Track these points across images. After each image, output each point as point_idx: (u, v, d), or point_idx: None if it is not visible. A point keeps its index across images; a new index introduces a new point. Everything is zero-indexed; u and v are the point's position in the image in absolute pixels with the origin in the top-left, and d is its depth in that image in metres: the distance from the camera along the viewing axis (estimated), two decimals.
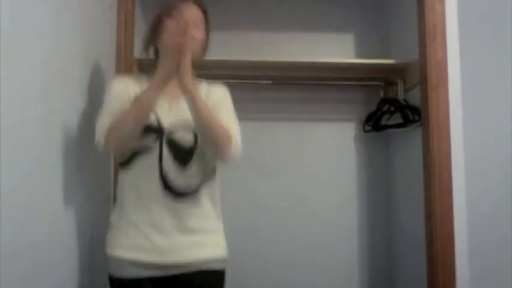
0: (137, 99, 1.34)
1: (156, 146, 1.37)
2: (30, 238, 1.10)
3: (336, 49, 2.42)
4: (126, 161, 1.41)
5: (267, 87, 2.31)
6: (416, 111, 2.03)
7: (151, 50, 1.51)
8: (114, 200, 1.85)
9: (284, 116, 2.39)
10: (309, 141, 2.39)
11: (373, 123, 2.28)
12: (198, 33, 1.43)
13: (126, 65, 1.92)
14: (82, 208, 1.49)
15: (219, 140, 1.34)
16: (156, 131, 1.38)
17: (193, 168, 1.40)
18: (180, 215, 1.38)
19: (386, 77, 2.28)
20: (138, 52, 2.04)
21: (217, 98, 1.47)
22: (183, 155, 1.38)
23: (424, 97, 1.88)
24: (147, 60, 2.12)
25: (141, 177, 1.38)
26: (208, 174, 1.44)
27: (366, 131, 2.34)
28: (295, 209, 2.33)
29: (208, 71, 2.23)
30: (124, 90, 1.43)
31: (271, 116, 2.39)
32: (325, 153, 2.39)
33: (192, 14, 1.42)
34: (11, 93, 1.00)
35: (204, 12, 1.48)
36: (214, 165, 1.47)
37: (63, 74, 1.32)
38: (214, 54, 2.14)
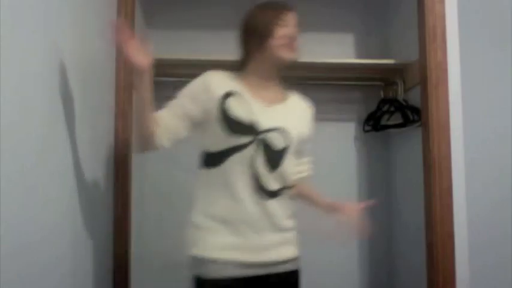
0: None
1: (249, 145, 1.39)
2: (29, 238, 1.10)
3: (336, 49, 2.43)
4: (217, 160, 1.41)
5: None
6: (416, 111, 2.03)
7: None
8: (115, 199, 1.86)
9: None
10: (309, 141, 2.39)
11: (373, 123, 2.28)
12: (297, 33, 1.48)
13: (126, 65, 1.92)
14: (82, 208, 1.49)
15: None
16: (250, 130, 1.39)
17: (283, 170, 1.43)
18: (271, 214, 1.40)
19: (386, 77, 2.28)
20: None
21: (305, 117, 1.58)
22: (275, 156, 1.41)
23: (424, 97, 1.88)
24: None
25: (233, 176, 1.38)
26: (291, 178, 1.49)
27: (366, 131, 2.34)
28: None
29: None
30: (202, 88, 1.45)
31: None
32: (325, 153, 2.39)
33: (294, 20, 1.47)
34: (11, 93, 1.00)
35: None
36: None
37: (62, 73, 1.32)
38: (215, 54, 2.15)
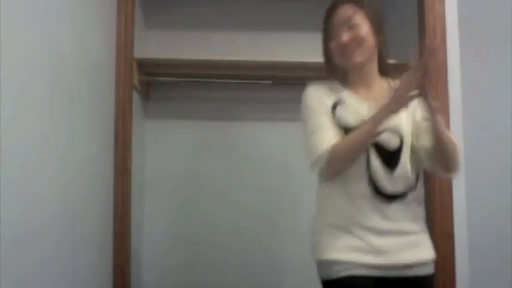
0: (368, 121, 1.30)
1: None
2: (29, 237, 1.10)
3: None
4: None
5: (267, 87, 2.31)
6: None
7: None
8: (116, 199, 1.86)
9: (284, 116, 2.39)
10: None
11: None
12: (356, 31, 1.38)
13: (126, 65, 1.92)
14: (82, 208, 1.49)
15: (454, 155, 1.34)
16: None
17: (401, 171, 1.36)
18: (392, 217, 1.34)
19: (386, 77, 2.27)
20: (138, 51, 2.05)
21: (422, 113, 1.40)
22: (389, 157, 1.36)
23: None
24: (146, 60, 2.14)
25: (350, 181, 1.36)
26: (414, 178, 1.40)
27: None
28: (294, 208, 2.33)
29: (208, 71, 2.25)
30: (321, 98, 1.42)
31: (271, 116, 2.39)
32: None
33: (344, 16, 1.40)
34: (11, 93, 1.00)
35: (361, 7, 1.42)
36: (420, 170, 1.43)
37: (62, 73, 1.32)
38: (215, 54, 2.14)
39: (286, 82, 2.29)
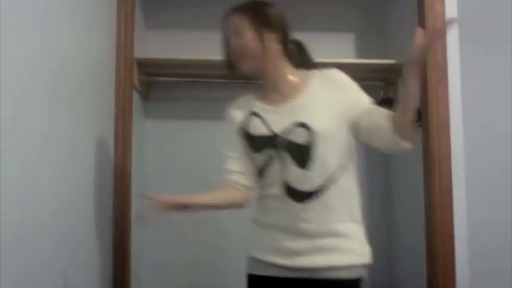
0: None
1: (274, 154, 1.35)
2: (29, 237, 1.10)
3: (336, 49, 2.42)
4: (258, 178, 1.42)
5: None
6: (416, 111, 2.03)
7: None
8: (115, 199, 1.86)
9: None
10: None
11: None
12: (238, 40, 1.38)
13: (126, 65, 1.92)
14: (82, 208, 1.49)
15: (408, 128, 1.27)
16: (270, 140, 1.36)
17: (316, 167, 1.31)
18: (307, 219, 1.32)
19: (386, 77, 2.28)
20: (138, 51, 2.05)
21: (341, 86, 1.39)
22: (301, 154, 1.32)
23: (424, 97, 1.88)
24: (146, 60, 2.15)
25: (267, 185, 1.38)
26: (334, 174, 1.33)
27: None
28: None
29: (208, 71, 2.25)
30: (237, 118, 1.45)
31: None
32: None
33: (228, 29, 1.42)
34: (11, 93, 1.00)
35: (246, 12, 1.40)
36: (341, 163, 1.35)
37: (62, 73, 1.32)
38: (215, 54, 2.14)
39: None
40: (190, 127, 2.41)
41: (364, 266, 1.38)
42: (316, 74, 1.41)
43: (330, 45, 2.40)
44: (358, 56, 2.44)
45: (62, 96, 1.31)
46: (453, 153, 1.82)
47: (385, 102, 2.23)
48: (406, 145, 1.29)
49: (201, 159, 2.38)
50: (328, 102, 1.35)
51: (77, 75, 1.44)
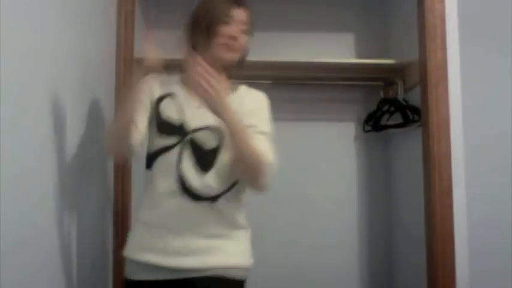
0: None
1: (176, 146, 1.34)
2: (28, 237, 1.10)
3: (336, 49, 2.42)
4: (149, 161, 1.38)
5: (267, 87, 2.30)
6: (416, 111, 2.03)
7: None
8: (116, 199, 1.86)
9: (284, 116, 2.39)
10: (309, 141, 2.38)
11: (373, 123, 2.28)
12: (245, 38, 1.41)
13: (126, 65, 1.92)
14: (82, 208, 1.49)
15: (254, 172, 1.30)
16: (178, 130, 1.35)
17: (214, 174, 1.33)
18: (196, 219, 1.32)
19: (386, 77, 2.28)
20: (138, 52, 2.05)
21: (252, 108, 1.41)
22: (204, 158, 1.33)
23: (424, 97, 1.88)
24: None
25: (159, 176, 1.34)
26: (231, 182, 1.37)
27: (366, 131, 2.34)
28: (294, 208, 2.33)
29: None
30: (147, 90, 1.41)
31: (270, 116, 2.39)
32: (325, 153, 2.39)
33: (243, 17, 1.41)
34: (11, 93, 1.00)
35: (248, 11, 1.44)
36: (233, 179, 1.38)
37: (62, 73, 1.32)
38: None
39: (286, 82, 2.29)
40: None
41: (244, 268, 1.38)
42: (243, 88, 1.46)
43: (330, 45, 2.40)
44: (358, 56, 2.44)
45: (62, 96, 1.31)
46: (453, 153, 1.82)
47: (385, 102, 2.23)
48: (257, 191, 1.37)
49: None
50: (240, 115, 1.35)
51: (77, 75, 1.44)
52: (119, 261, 1.85)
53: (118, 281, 1.85)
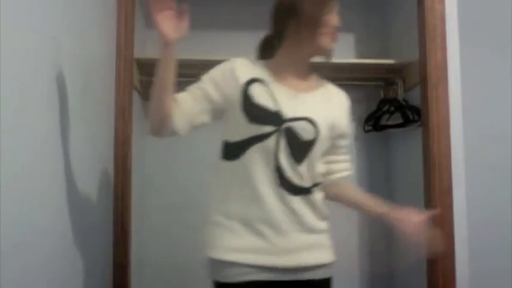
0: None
1: (272, 135, 1.25)
2: (28, 237, 1.10)
3: (336, 49, 2.41)
4: (237, 150, 1.28)
5: None
6: (416, 111, 2.03)
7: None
8: (115, 199, 1.86)
9: None
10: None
11: (373, 123, 2.28)
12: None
13: (126, 65, 1.92)
14: (82, 208, 1.49)
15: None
16: (274, 119, 1.26)
17: (307, 166, 1.28)
18: (297, 213, 1.26)
19: (386, 77, 2.28)
20: (138, 51, 2.05)
21: (342, 114, 1.42)
22: (300, 149, 1.27)
23: (424, 97, 1.88)
24: (146, 60, 2.14)
25: (254, 169, 1.25)
26: (319, 177, 1.35)
27: (366, 131, 2.34)
28: None
29: (208, 71, 2.24)
30: (224, 75, 1.33)
31: None
32: None
33: (337, 7, 1.37)
34: (11, 93, 1.00)
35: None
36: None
37: (62, 73, 1.32)
38: (215, 54, 2.14)
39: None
40: None
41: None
42: (330, 85, 1.44)
43: None
44: (358, 56, 2.44)
45: (62, 96, 1.31)
46: (453, 153, 1.82)
47: (385, 102, 2.23)
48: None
49: (200, 159, 2.37)
50: (331, 111, 1.36)
51: (77, 75, 1.44)
52: (119, 261, 1.86)
53: (118, 281, 1.85)
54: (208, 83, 1.34)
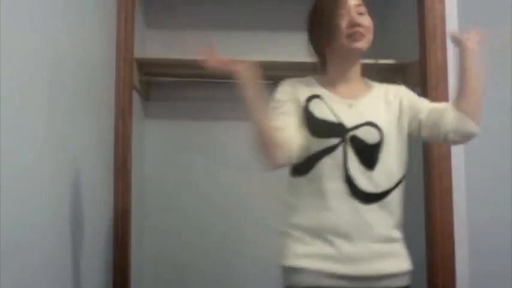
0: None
1: (339, 146, 1.26)
2: (28, 237, 1.10)
3: None
4: (307, 166, 1.28)
5: (267, 87, 2.30)
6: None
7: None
8: (115, 199, 1.86)
9: None
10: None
11: None
12: (366, 18, 1.36)
13: (126, 65, 1.92)
14: (82, 208, 1.49)
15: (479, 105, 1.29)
16: (338, 130, 1.27)
17: (381, 170, 1.26)
18: (369, 222, 1.24)
19: (386, 77, 2.27)
20: (138, 51, 2.05)
21: (411, 97, 1.39)
22: (368, 153, 1.26)
23: (424, 97, 1.87)
24: (146, 60, 2.15)
25: (324, 181, 1.25)
26: (398, 178, 1.30)
27: None
28: None
29: (208, 71, 2.24)
30: (289, 94, 1.35)
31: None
32: None
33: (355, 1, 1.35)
34: (11, 93, 1.00)
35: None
36: (403, 167, 1.32)
37: (62, 74, 1.32)
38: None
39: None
40: (190, 127, 2.41)
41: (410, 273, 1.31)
42: (379, 84, 1.42)
43: None
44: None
45: (62, 96, 1.31)
46: (453, 153, 1.82)
47: None
48: (474, 128, 1.30)
49: (201, 159, 2.38)
50: (389, 108, 1.34)
51: (77, 75, 1.44)
52: (118, 260, 1.86)
53: (118, 281, 1.85)
54: (283, 104, 1.34)
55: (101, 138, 1.72)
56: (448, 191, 1.81)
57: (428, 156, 1.83)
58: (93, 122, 1.62)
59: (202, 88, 2.37)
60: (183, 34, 2.42)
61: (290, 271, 1.26)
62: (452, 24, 1.89)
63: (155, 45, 2.39)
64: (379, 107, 1.34)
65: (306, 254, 1.25)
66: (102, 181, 1.74)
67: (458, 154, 1.84)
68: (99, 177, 1.70)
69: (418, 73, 1.95)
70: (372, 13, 2.62)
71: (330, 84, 1.36)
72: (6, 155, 0.97)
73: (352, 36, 1.31)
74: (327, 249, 1.23)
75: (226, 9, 2.42)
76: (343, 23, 1.31)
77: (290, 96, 1.35)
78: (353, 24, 1.32)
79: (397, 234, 1.30)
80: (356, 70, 1.39)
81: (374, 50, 2.53)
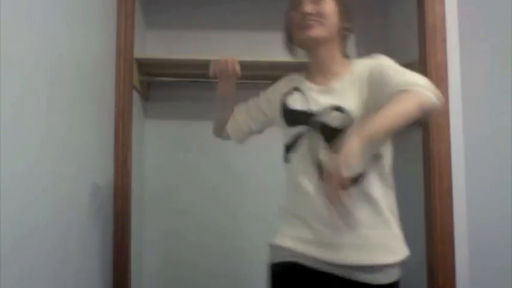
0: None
1: (306, 132, 1.30)
2: (28, 237, 1.10)
3: None
4: (286, 154, 1.36)
5: (267, 87, 2.31)
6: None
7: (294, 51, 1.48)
8: (115, 199, 1.86)
9: None
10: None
11: None
12: (322, 6, 1.33)
13: (126, 65, 1.92)
14: (81, 208, 1.49)
15: (417, 109, 1.25)
16: (303, 118, 1.31)
17: None
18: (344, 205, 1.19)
19: None
20: (138, 51, 2.05)
21: (378, 71, 1.31)
22: (336, 138, 1.24)
23: None
24: (146, 60, 2.15)
25: (298, 168, 1.30)
26: (370, 159, 1.27)
27: None
28: None
29: (208, 71, 2.24)
30: (274, 89, 1.50)
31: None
32: None
33: None
34: (11, 93, 1.00)
35: None
36: (376, 148, 1.29)
37: (62, 73, 1.32)
38: (215, 54, 2.14)
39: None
40: (190, 127, 2.41)
41: (399, 265, 1.29)
42: (358, 62, 1.38)
43: None
44: (358, 56, 2.43)
45: (62, 96, 1.31)
46: (453, 153, 1.82)
47: None
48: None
49: (201, 159, 2.38)
50: (361, 90, 1.30)
51: (76, 75, 1.44)
52: (118, 260, 1.86)
53: (118, 280, 1.85)
54: (263, 96, 1.53)
55: (101, 138, 1.72)
56: (448, 191, 1.81)
57: (428, 156, 1.83)
58: (93, 122, 1.62)
59: (202, 88, 2.37)
60: (183, 34, 2.43)
61: (272, 249, 1.34)
62: (452, 24, 1.89)
63: (155, 45, 2.39)
64: (350, 90, 1.30)
65: (289, 235, 1.31)
66: (102, 181, 1.74)
67: (458, 154, 1.84)
68: (99, 177, 1.70)
69: (418, 73, 1.94)
70: (373, 13, 2.64)
71: (310, 75, 1.42)
72: (6, 155, 0.97)
73: (302, 26, 1.33)
74: (308, 233, 1.27)
75: (226, 9, 2.42)
76: (296, 16, 1.35)
77: (274, 90, 1.50)
78: (303, 14, 1.33)
79: (377, 219, 1.26)
80: (327, 57, 1.37)
81: (374, 50, 2.54)
